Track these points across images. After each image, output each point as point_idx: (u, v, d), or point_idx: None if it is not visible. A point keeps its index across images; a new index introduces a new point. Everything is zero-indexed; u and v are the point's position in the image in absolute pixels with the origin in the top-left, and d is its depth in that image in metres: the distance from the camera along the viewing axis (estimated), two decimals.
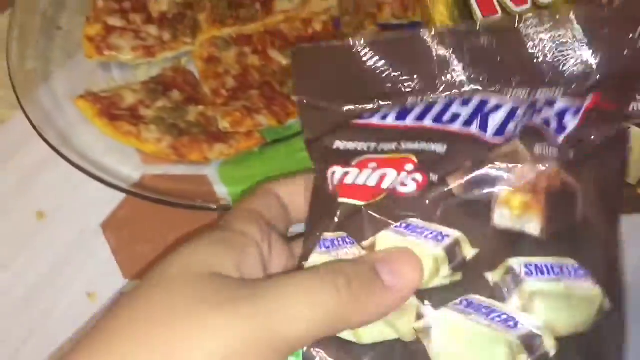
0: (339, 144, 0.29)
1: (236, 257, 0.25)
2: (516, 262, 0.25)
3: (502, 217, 0.26)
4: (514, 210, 0.26)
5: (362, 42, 0.30)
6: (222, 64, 0.49)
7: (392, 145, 0.28)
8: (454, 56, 0.29)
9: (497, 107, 0.28)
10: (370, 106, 0.30)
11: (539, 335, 0.24)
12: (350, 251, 0.27)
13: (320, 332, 0.24)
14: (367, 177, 0.28)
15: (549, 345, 0.25)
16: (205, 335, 0.22)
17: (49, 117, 0.47)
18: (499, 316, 0.25)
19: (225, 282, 0.24)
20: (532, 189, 0.26)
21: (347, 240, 0.27)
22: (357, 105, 0.30)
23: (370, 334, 0.26)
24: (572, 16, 0.28)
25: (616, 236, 0.27)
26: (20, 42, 0.49)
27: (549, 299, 0.25)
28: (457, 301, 0.25)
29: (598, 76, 0.28)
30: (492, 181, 0.26)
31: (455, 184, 0.26)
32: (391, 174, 0.27)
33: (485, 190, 0.26)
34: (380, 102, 0.30)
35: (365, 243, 0.27)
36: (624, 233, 0.45)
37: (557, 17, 0.28)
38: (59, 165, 0.44)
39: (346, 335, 0.26)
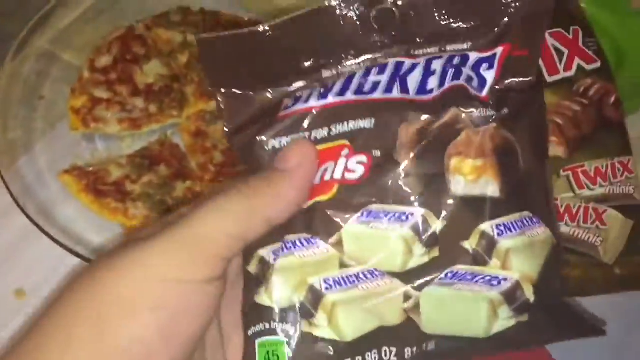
0: (273, 142, 0.29)
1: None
2: (487, 226, 0.27)
3: (458, 185, 0.27)
4: (468, 176, 0.27)
5: (266, 26, 0.29)
6: (209, 138, 0.49)
7: (325, 132, 0.28)
8: (360, 23, 0.29)
9: (413, 67, 0.28)
10: (288, 88, 0.29)
11: (520, 286, 0.26)
12: (318, 251, 0.27)
13: (239, 228, 0.25)
14: None
15: (529, 293, 0.27)
16: (136, 265, 0.24)
17: (29, 189, 0.46)
18: (483, 278, 0.26)
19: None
20: (479, 151, 0.27)
21: (312, 240, 0.27)
22: (276, 89, 0.29)
23: (353, 327, 0.26)
24: None
25: (546, 175, 0.28)
26: (2, 112, 0.49)
27: (520, 252, 0.27)
28: (443, 275, 0.26)
29: (502, 24, 0.28)
30: (438, 150, 0.27)
31: (403, 160, 0.27)
32: (330, 166, 0.27)
33: (434, 162, 0.27)
34: (297, 83, 0.29)
35: (331, 240, 0.27)
36: (602, 311, 0.46)
37: None
38: (40, 240, 0.43)
39: (327, 334, 0.26)
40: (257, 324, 0.27)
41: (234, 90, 0.29)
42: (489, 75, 0.27)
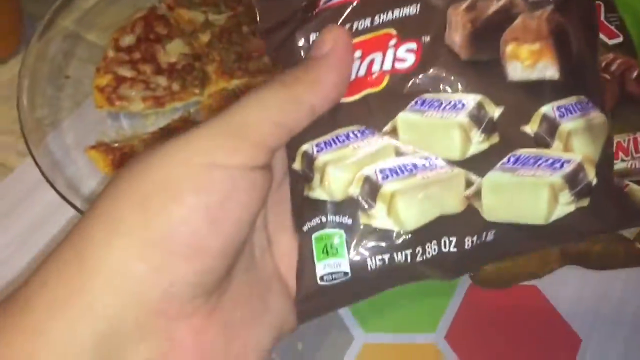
0: (311, 37, 0.27)
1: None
2: (549, 108, 0.26)
3: (515, 71, 0.26)
4: (525, 61, 0.26)
5: None
6: None
7: (367, 22, 0.27)
8: None
9: None
10: None
11: (583, 168, 0.26)
12: (372, 140, 0.26)
13: (281, 117, 0.25)
14: (357, 68, 0.27)
15: (591, 175, 0.26)
16: (180, 149, 0.24)
17: (58, 165, 0.47)
18: (546, 161, 0.26)
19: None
20: (536, 35, 0.26)
21: (366, 131, 0.26)
22: None
23: (413, 216, 0.26)
24: None
25: (597, 61, 0.28)
26: (30, 90, 0.50)
27: (581, 134, 0.26)
28: (505, 160, 0.26)
29: None
30: (493, 35, 0.26)
31: (455, 45, 0.26)
32: (378, 57, 0.26)
33: (489, 47, 0.26)
34: None
35: (385, 129, 0.26)
36: (624, 285, 0.46)
37: None
38: (68, 213, 0.44)
39: (386, 224, 0.26)
40: (312, 218, 0.27)
41: None
42: None
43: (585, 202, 0.26)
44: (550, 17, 0.26)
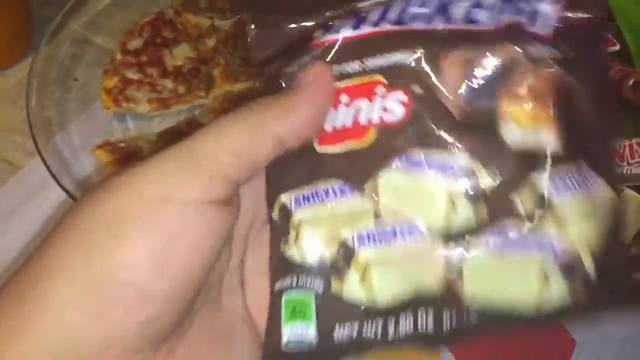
0: (299, 74, 0.25)
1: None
2: (543, 180, 0.23)
3: (511, 133, 0.24)
4: (522, 123, 0.23)
5: None
6: None
7: (356, 65, 0.25)
8: None
9: None
10: (319, 19, 0.26)
11: (578, 255, 0.23)
12: (351, 201, 0.24)
13: (244, 146, 0.23)
14: (343, 115, 0.25)
15: (588, 264, 0.23)
16: (133, 182, 0.22)
17: (65, 164, 0.48)
18: (536, 242, 0.23)
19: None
20: (536, 96, 0.24)
21: (346, 189, 0.24)
22: (307, 19, 0.26)
23: (386, 288, 0.24)
24: None
25: (610, 127, 0.25)
26: (39, 92, 0.51)
27: (578, 211, 0.23)
28: (490, 237, 0.23)
29: None
30: (489, 91, 0.24)
31: (448, 100, 0.24)
32: (365, 106, 0.24)
33: (484, 104, 0.24)
34: (329, 13, 0.26)
35: (366, 190, 0.24)
36: None
37: None
38: None
39: (358, 293, 0.24)
40: (284, 277, 0.25)
41: (263, 20, 0.27)
42: (552, 7, 0.24)
43: (581, 294, 0.23)
44: (554, 77, 0.24)
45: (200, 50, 0.55)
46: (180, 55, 0.55)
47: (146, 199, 0.21)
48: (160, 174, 0.22)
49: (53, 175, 0.45)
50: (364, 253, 0.24)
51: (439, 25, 0.25)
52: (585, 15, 0.24)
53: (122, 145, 0.48)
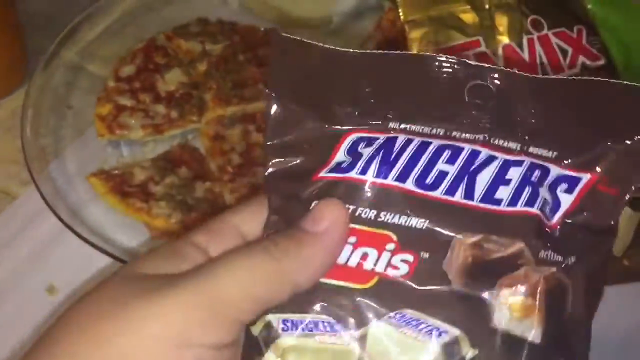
0: (312, 199, 0.26)
1: (177, 263, 0.25)
2: None
3: (502, 319, 0.25)
4: (515, 312, 0.25)
5: (354, 51, 0.26)
6: (227, 142, 0.51)
7: (372, 214, 0.26)
8: (451, 87, 0.26)
9: (488, 162, 0.26)
10: (343, 126, 0.27)
11: None
12: (339, 340, 0.25)
13: (262, 291, 0.24)
14: (347, 255, 0.26)
15: None
16: (150, 321, 0.22)
17: (60, 192, 0.48)
18: None
19: (163, 276, 0.24)
20: (531, 290, 0.25)
21: (336, 327, 0.25)
22: (333, 119, 0.27)
23: None
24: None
25: (590, 324, 0.26)
26: (33, 121, 0.52)
27: None
28: None
29: (599, 148, 0.25)
30: (491, 275, 0.25)
31: (451, 274, 0.25)
32: (372, 254, 0.25)
33: (484, 285, 0.25)
34: (356, 120, 0.26)
35: (355, 333, 0.25)
36: (611, 303, 0.47)
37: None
38: (70, 240, 0.45)
39: None
40: None
41: (290, 100, 0.27)
42: (566, 200, 0.25)
43: None
44: (550, 276, 0.25)
45: (192, 75, 0.56)
46: (172, 80, 0.55)
47: (163, 342, 0.22)
48: (183, 315, 0.22)
49: (48, 205, 0.46)
50: None
51: (458, 197, 0.26)
52: (597, 221, 0.25)
53: (116, 172, 0.48)
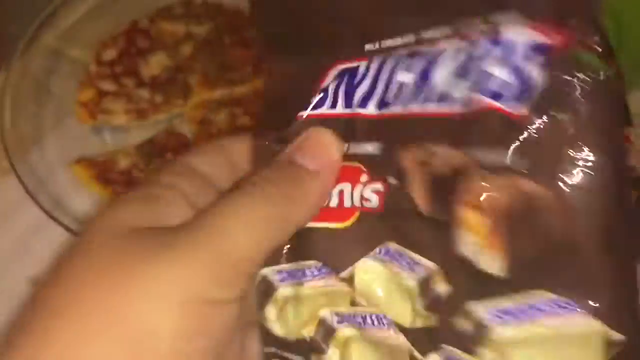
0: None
1: (161, 210, 0.24)
2: (483, 310, 0.21)
3: (466, 244, 0.21)
4: (476, 238, 0.21)
5: None
6: (214, 126, 0.50)
7: (344, 147, 0.25)
8: None
9: (447, 57, 0.22)
10: (329, 59, 0.25)
11: None
12: (330, 282, 0.24)
13: (269, 239, 0.23)
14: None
15: None
16: (156, 286, 0.21)
17: (41, 181, 0.47)
18: None
19: (157, 231, 0.23)
20: (490, 207, 0.20)
21: (322, 270, 0.24)
22: (316, 57, 0.25)
23: None
24: None
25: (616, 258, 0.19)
26: (13, 108, 0.50)
27: (528, 347, 0.20)
28: (438, 352, 0.22)
29: None
30: (447, 192, 0.21)
31: (415, 195, 0.22)
32: (348, 190, 0.24)
33: (444, 205, 0.21)
34: (341, 51, 0.25)
35: (343, 274, 0.24)
36: None
37: None
38: (53, 230, 0.44)
39: None
40: (269, 345, 0.25)
41: (282, 54, 0.26)
42: (537, 75, 0.20)
43: None
44: (512, 184, 0.20)
45: (176, 58, 0.54)
46: (156, 64, 0.54)
47: (171, 300, 0.21)
48: (185, 270, 0.21)
49: (30, 194, 0.44)
50: (343, 331, 0.24)
51: (415, 106, 0.23)
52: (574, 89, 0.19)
53: (99, 160, 0.47)
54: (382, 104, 0.24)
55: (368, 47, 0.25)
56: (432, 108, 0.22)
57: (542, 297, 0.20)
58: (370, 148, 0.24)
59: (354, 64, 0.25)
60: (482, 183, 0.20)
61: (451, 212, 0.21)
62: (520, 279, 0.20)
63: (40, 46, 0.54)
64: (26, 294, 0.44)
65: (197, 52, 0.54)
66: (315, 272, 0.24)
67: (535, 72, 0.20)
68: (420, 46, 0.24)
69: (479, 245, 0.21)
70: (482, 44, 0.21)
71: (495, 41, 0.21)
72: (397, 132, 0.23)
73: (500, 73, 0.21)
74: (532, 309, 0.20)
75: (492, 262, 0.21)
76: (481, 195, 0.20)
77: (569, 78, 0.19)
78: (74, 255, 0.23)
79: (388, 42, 0.25)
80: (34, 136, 0.50)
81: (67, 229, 0.43)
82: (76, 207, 0.45)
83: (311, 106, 0.25)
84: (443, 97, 0.22)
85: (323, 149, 0.25)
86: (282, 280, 0.24)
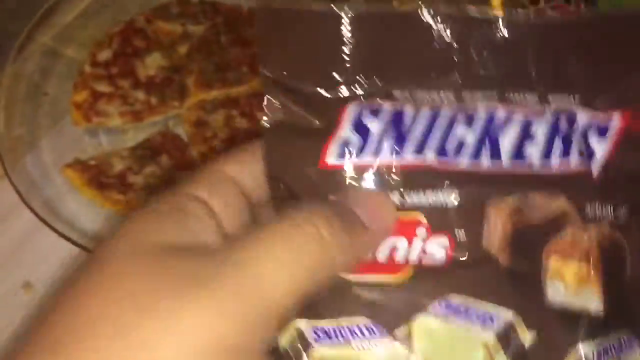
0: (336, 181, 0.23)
1: (190, 227, 0.22)
2: (588, 348, 0.22)
3: (556, 292, 0.22)
4: (569, 283, 0.22)
5: (346, 10, 0.24)
6: (210, 128, 0.49)
7: (396, 198, 0.23)
8: (453, 41, 0.23)
9: (508, 120, 0.23)
10: (343, 93, 0.24)
11: None
12: (381, 343, 0.22)
13: (308, 282, 0.21)
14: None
15: None
16: (177, 325, 0.19)
17: (35, 185, 0.46)
18: None
19: (184, 255, 0.21)
20: (584, 254, 0.22)
21: (374, 330, 0.22)
22: (330, 90, 0.24)
23: None
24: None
25: None
26: (7, 110, 0.49)
27: None
28: None
29: (623, 81, 0.23)
30: (536, 243, 0.22)
31: (492, 248, 0.22)
32: (401, 245, 0.23)
33: (530, 256, 0.22)
34: (357, 88, 0.24)
35: (398, 333, 0.22)
36: None
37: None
38: (47, 235, 0.43)
39: None
40: None
41: (283, 77, 0.25)
42: (601, 146, 0.23)
43: None
44: (602, 234, 0.22)
45: (172, 58, 0.53)
46: (152, 64, 0.53)
47: (196, 347, 0.19)
48: (222, 318, 0.19)
49: (23, 199, 0.44)
50: None
51: (485, 161, 0.23)
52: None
53: (92, 163, 0.46)
54: (443, 154, 0.23)
55: (396, 92, 0.24)
56: (507, 168, 0.23)
57: (624, 334, 0.22)
58: (444, 198, 0.23)
59: (378, 106, 0.24)
60: (579, 232, 0.22)
61: (538, 261, 0.22)
62: (612, 317, 0.22)
63: (36, 46, 0.53)
64: (20, 300, 0.44)
65: (194, 52, 0.53)
66: (365, 333, 0.22)
67: (600, 143, 0.23)
68: (462, 103, 0.24)
69: (573, 289, 0.22)
70: (545, 112, 0.23)
71: (556, 116, 0.23)
72: (476, 184, 0.23)
73: (572, 141, 0.23)
74: (617, 346, 0.22)
75: (590, 300, 0.22)
76: (579, 242, 0.22)
77: None
78: (90, 277, 0.21)
79: (420, 93, 0.24)
80: (28, 139, 0.49)
81: (60, 234, 0.43)
82: (70, 212, 0.45)
83: (340, 144, 0.23)
84: (517, 157, 0.23)
85: (383, 215, 0.23)
86: (317, 339, 0.22)
